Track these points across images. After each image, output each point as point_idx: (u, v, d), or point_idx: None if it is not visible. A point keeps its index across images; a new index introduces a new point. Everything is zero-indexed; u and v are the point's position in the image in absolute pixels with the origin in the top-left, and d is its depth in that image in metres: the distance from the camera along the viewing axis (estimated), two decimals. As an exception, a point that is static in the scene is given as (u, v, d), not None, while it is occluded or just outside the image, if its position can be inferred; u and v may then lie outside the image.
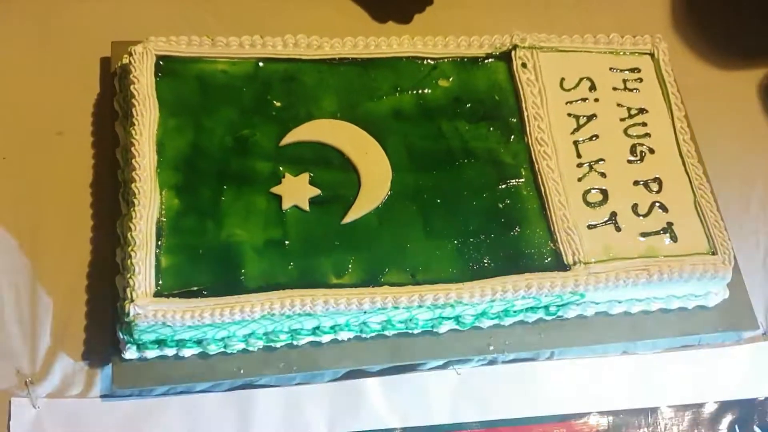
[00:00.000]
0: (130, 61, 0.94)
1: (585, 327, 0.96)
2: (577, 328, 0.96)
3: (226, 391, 0.90)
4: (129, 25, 1.05)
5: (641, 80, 1.05)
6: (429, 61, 1.02)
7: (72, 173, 0.97)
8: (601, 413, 0.95)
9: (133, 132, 0.90)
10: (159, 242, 0.86)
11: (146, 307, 0.82)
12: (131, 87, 0.92)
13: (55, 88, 1.02)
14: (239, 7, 1.10)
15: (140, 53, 0.94)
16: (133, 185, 0.87)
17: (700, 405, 0.97)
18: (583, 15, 1.17)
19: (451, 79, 1.01)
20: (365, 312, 0.87)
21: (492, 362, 0.95)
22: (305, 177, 0.92)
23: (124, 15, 1.07)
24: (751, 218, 1.10)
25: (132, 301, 0.82)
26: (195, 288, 0.84)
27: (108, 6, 1.08)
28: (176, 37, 0.96)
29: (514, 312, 0.93)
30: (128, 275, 0.84)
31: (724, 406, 0.98)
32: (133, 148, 0.89)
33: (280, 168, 0.92)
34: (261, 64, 0.97)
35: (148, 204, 0.87)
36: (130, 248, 0.85)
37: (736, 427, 0.97)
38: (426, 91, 1.00)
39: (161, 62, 0.95)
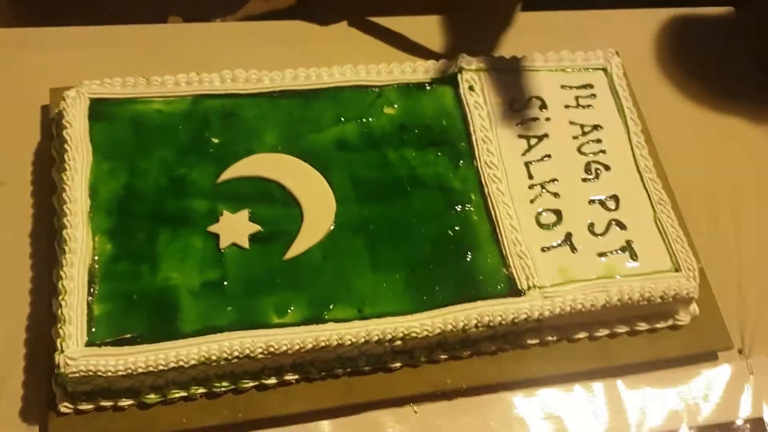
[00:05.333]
0: (62, 106, 0.92)
1: (547, 355, 0.91)
2: (539, 357, 0.91)
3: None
4: (69, 73, 1.02)
5: (594, 96, 1.03)
6: (373, 89, 1.00)
7: (12, 223, 0.95)
8: (569, 446, 0.90)
9: (65, 177, 0.88)
10: (91, 289, 0.83)
11: (77, 357, 0.78)
12: (63, 132, 0.90)
13: (-5, 136, 1.00)
14: (178, 48, 1.08)
15: (73, 97, 0.92)
16: (64, 232, 0.85)
17: (675, 432, 0.92)
18: (537, 38, 1.14)
19: (396, 107, 0.99)
20: (311, 352, 0.84)
21: (451, 397, 0.90)
22: (244, 214, 0.89)
23: (64, 63, 1.05)
24: (721, 233, 1.05)
25: (62, 351, 0.79)
26: (129, 335, 0.81)
27: (48, 55, 1.06)
28: (110, 79, 0.95)
29: (471, 343, 0.89)
30: (59, 325, 0.81)
31: (701, 432, 0.93)
32: (64, 194, 0.87)
33: (218, 206, 0.89)
34: (198, 101, 0.95)
35: (80, 250, 0.84)
36: (61, 297, 0.82)
37: (715, 453, 0.92)
38: (371, 119, 0.98)
39: (95, 105, 0.93)
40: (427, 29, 1.14)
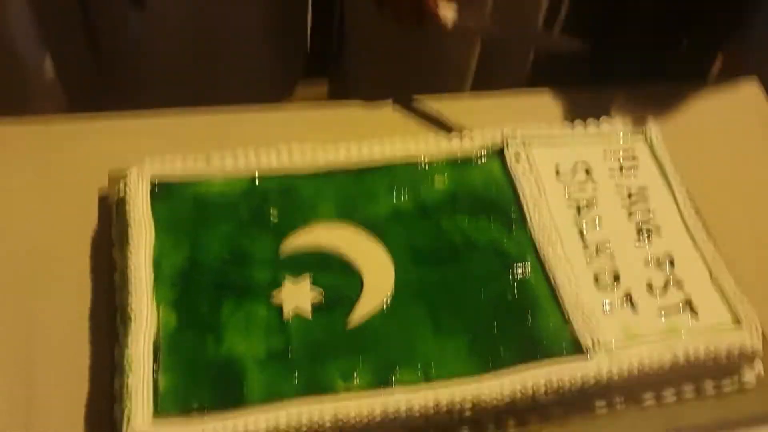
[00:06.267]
0: (125, 184, 0.95)
1: (615, 420, 0.90)
2: (607, 422, 0.90)
3: None
4: (127, 155, 1.05)
5: (637, 161, 1.06)
6: (424, 164, 1.03)
7: (69, 305, 0.95)
8: None
9: (128, 253, 0.89)
10: (156, 362, 0.83)
11: (145, 431, 0.77)
12: (126, 209, 0.92)
13: (53, 222, 1.01)
14: (230, 132, 1.12)
15: (135, 175, 0.95)
16: (128, 305, 0.85)
17: (753, 496, 0.89)
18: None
19: (446, 177, 1.02)
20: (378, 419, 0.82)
21: (520, 465, 0.88)
22: (306, 283, 0.90)
23: (122, 145, 1.08)
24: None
25: (129, 424, 0.77)
26: (195, 406, 0.80)
27: (105, 138, 1.10)
28: (171, 157, 0.98)
29: (539, 408, 0.87)
30: (125, 399, 0.80)
31: (780, 496, 0.89)
32: (128, 270, 0.88)
33: (280, 275, 0.90)
34: (257, 181, 0.98)
35: (144, 322, 0.84)
36: (126, 371, 0.81)
37: None
38: (422, 191, 1.00)
39: (156, 184, 0.95)
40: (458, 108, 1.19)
